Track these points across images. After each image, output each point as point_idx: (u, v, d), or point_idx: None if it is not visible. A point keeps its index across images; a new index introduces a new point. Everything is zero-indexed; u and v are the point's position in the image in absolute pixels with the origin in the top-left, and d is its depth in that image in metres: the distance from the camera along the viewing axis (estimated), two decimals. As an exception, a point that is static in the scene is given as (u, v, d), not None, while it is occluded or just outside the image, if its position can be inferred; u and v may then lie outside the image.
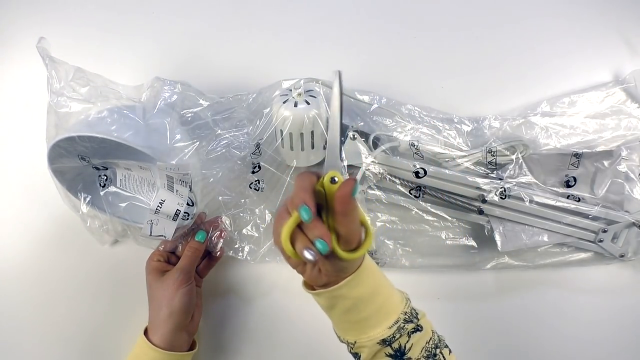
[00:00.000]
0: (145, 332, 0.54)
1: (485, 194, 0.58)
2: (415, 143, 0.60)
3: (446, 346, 0.46)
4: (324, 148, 0.56)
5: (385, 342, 0.43)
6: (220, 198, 0.61)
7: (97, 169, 0.59)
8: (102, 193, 0.59)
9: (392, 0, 0.70)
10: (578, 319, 0.64)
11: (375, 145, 0.60)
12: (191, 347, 0.57)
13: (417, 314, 0.45)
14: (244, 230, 0.62)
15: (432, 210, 0.61)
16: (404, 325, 0.43)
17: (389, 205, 0.62)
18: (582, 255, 0.63)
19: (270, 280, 0.64)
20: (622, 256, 0.61)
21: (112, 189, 0.60)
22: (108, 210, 0.57)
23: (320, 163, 0.61)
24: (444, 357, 0.44)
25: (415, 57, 0.69)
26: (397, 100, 0.63)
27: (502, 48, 0.69)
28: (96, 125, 0.49)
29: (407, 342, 0.43)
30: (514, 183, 0.59)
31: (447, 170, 0.59)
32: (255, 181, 0.61)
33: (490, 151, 0.60)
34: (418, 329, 0.44)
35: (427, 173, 0.58)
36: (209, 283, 0.63)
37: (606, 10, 0.69)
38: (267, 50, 0.68)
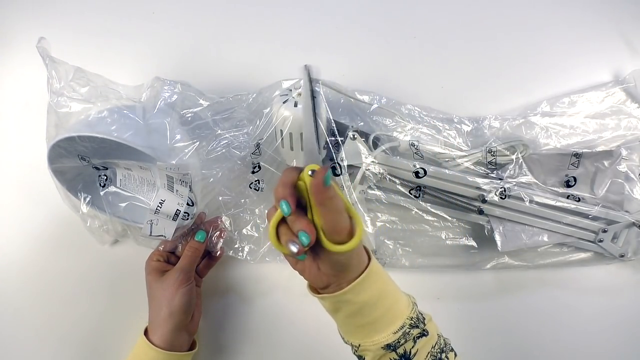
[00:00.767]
0: (146, 332, 0.54)
1: (485, 194, 0.58)
2: (415, 143, 0.60)
3: (452, 350, 0.46)
4: (324, 148, 0.56)
5: (389, 347, 0.42)
6: (220, 198, 0.61)
7: (97, 169, 0.59)
8: (102, 193, 0.59)
9: (392, 0, 0.70)
10: (578, 318, 0.64)
11: (375, 145, 0.60)
12: (191, 347, 0.57)
13: (423, 318, 0.45)
14: (244, 230, 0.62)
15: (432, 210, 0.61)
16: (410, 331, 0.43)
17: (389, 205, 0.62)
18: (582, 255, 0.63)
19: (270, 280, 0.64)
20: (622, 256, 0.61)
21: (112, 189, 0.60)
22: (108, 210, 0.57)
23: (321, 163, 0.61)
24: None
25: (415, 57, 0.69)
26: (397, 100, 0.63)
27: (502, 48, 0.69)
28: (96, 125, 0.49)
29: (413, 347, 0.43)
30: (514, 183, 0.59)
31: (447, 170, 0.59)
32: (255, 181, 0.61)
33: (490, 151, 0.60)
34: (424, 333, 0.43)
35: (427, 173, 0.58)
36: (209, 283, 0.63)
37: (606, 11, 0.69)
38: (267, 50, 0.68)
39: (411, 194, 0.60)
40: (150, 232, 0.54)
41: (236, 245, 0.62)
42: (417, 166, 0.58)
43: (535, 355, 0.64)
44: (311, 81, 0.43)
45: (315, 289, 0.45)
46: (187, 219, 0.55)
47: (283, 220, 0.39)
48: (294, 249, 0.37)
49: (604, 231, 0.60)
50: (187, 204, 0.54)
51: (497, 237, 0.59)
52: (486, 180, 0.58)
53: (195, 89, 0.60)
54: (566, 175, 0.63)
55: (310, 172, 0.38)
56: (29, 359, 0.63)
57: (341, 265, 0.41)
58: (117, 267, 0.64)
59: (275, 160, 0.60)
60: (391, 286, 0.45)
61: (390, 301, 0.44)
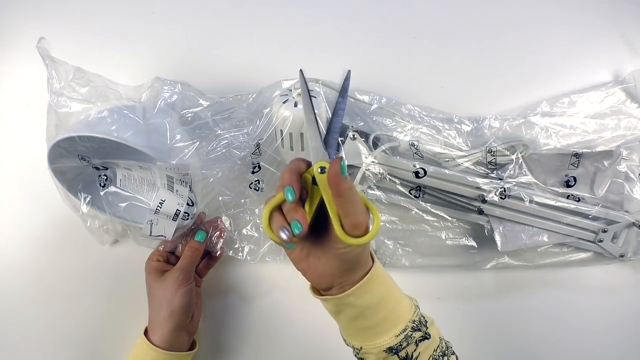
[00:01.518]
0: (145, 332, 0.54)
1: (485, 194, 0.58)
2: (415, 143, 0.60)
3: (453, 353, 0.46)
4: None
5: (391, 350, 0.42)
6: (220, 198, 0.61)
7: (97, 169, 0.59)
8: (102, 193, 0.59)
9: (392, 0, 0.70)
10: (578, 318, 0.64)
11: (375, 145, 0.60)
12: (191, 347, 0.57)
13: (425, 321, 0.45)
14: (244, 230, 0.62)
15: (432, 210, 0.61)
16: (412, 334, 0.43)
17: (389, 205, 0.62)
18: (582, 255, 0.63)
19: (270, 280, 0.64)
20: (622, 256, 0.61)
21: (112, 189, 0.60)
22: (108, 210, 0.57)
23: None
24: None
25: (415, 57, 0.69)
26: (397, 100, 0.63)
27: (502, 48, 0.69)
28: (96, 125, 0.49)
29: (415, 350, 0.42)
30: (514, 183, 0.59)
31: (447, 170, 0.59)
32: (255, 181, 0.61)
33: (490, 151, 0.60)
34: (426, 337, 0.43)
35: (427, 173, 0.58)
36: (209, 283, 0.63)
37: (606, 11, 0.69)
38: (267, 50, 0.68)
39: (411, 194, 0.60)
40: (150, 232, 0.54)
41: (236, 245, 0.62)
42: (417, 166, 0.58)
43: (535, 355, 0.63)
44: (307, 84, 0.44)
45: (318, 291, 0.45)
46: (187, 219, 0.55)
47: (279, 208, 0.40)
48: (284, 235, 0.38)
49: (604, 231, 0.60)
50: (187, 204, 0.54)
51: (497, 237, 0.59)
52: (486, 180, 0.58)
53: (195, 89, 0.60)
54: (566, 175, 0.63)
55: (319, 169, 0.38)
56: (29, 359, 0.63)
57: (349, 262, 0.41)
58: (117, 267, 0.64)
59: (275, 160, 0.60)
60: (394, 289, 0.45)
61: (393, 304, 0.44)
